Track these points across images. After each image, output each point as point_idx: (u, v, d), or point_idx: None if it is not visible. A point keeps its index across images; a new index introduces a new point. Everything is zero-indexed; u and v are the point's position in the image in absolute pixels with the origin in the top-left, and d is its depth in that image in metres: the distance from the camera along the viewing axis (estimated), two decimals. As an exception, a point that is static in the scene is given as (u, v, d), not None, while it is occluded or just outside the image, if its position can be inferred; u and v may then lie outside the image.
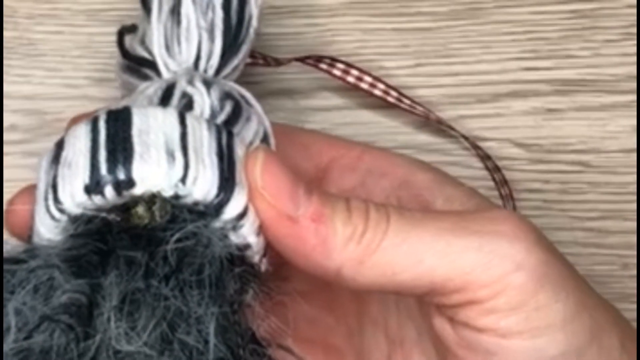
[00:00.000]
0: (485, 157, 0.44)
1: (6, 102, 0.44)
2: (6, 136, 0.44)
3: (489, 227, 0.32)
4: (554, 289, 0.32)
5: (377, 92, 0.43)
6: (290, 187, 0.31)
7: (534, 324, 0.31)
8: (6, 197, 0.42)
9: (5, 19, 0.45)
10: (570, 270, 0.33)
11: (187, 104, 0.33)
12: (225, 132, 0.32)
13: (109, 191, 0.30)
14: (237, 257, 0.31)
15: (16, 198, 0.34)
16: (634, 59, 0.45)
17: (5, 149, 0.44)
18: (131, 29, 0.38)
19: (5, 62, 0.45)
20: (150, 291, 0.29)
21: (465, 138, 0.44)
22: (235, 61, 0.36)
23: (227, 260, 0.30)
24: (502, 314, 0.31)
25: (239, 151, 0.32)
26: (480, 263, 0.31)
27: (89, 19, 0.45)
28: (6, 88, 0.44)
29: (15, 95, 0.45)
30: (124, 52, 0.37)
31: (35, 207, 0.31)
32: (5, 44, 0.45)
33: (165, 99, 0.33)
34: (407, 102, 0.44)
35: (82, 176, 0.30)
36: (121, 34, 0.38)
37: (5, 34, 0.45)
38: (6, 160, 0.44)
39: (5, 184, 0.44)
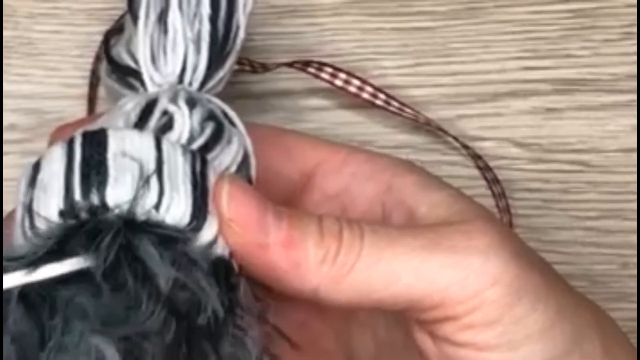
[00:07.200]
0: (475, 157, 0.44)
1: (6, 101, 0.44)
2: (6, 135, 0.44)
3: (464, 242, 0.32)
4: (531, 300, 0.31)
5: (365, 95, 0.43)
6: (258, 215, 0.31)
7: (511, 336, 0.31)
8: (6, 196, 0.43)
9: (5, 18, 0.45)
10: (550, 278, 0.33)
11: (167, 124, 0.33)
12: (199, 159, 0.31)
13: (83, 215, 0.30)
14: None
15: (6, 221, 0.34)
16: (634, 58, 0.45)
17: (5, 148, 0.44)
18: (118, 31, 0.38)
19: (5, 61, 0.45)
20: None
21: (455, 139, 0.44)
22: (220, 73, 0.36)
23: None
24: (479, 329, 0.31)
25: (212, 179, 0.31)
26: (456, 279, 0.31)
27: (88, 18, 0.45)
28: (6, 87, 0.44)
29: (15, 94, 0.44)
30: (110, 59, 0.37)
31: (13, 229, 0.31)
32: (5, 43, 0.45)
33: (143, 117, 0.33)
34: (396, 104, 0.43)
35: (57, 201, 0.30)
36: (107, 39, 0.38)
37: (5, 33, 0.45)
38: (6, 159, 0.44)
39: (5, 183, 0.44)
